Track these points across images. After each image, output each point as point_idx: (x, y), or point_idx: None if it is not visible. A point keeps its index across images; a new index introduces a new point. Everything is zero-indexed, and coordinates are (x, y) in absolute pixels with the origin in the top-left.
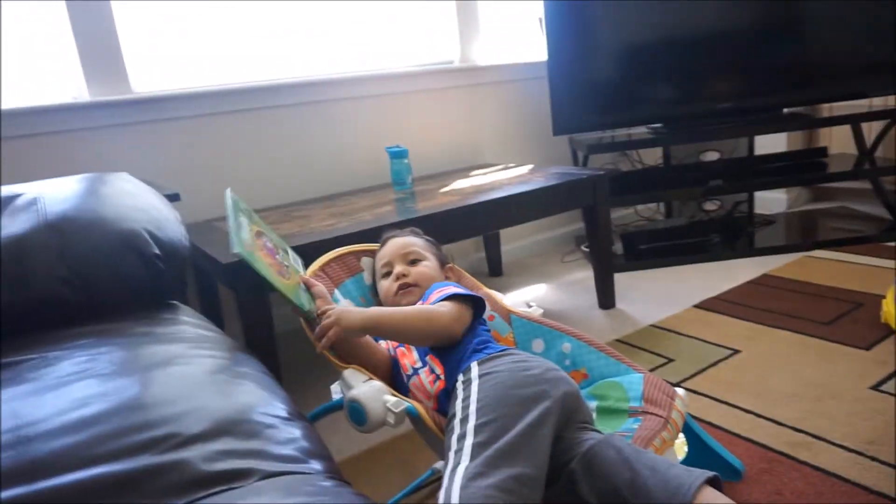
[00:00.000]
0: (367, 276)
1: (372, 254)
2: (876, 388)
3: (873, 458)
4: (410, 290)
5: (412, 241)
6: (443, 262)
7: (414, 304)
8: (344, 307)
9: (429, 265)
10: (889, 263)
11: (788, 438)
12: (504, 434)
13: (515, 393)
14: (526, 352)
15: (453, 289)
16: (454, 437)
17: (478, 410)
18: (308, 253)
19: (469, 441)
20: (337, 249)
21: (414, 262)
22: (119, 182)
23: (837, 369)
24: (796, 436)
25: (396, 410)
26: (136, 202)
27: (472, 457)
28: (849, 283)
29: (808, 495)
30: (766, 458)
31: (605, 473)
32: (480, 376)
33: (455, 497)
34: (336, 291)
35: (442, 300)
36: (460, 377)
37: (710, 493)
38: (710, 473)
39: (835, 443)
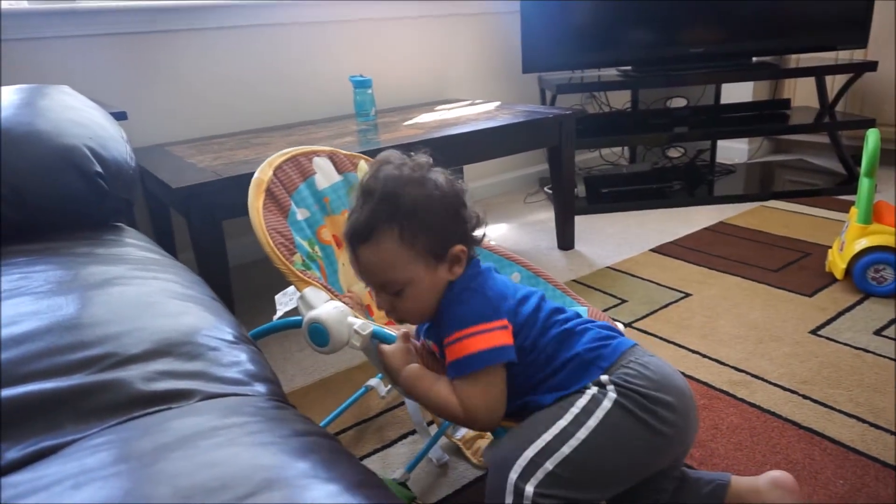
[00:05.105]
0: (319, 179)
1: (325, 154)
2: (814, 332)
3: (805, 397)
4: (404, 323)
5: (380, 262)
6: (438, 253)
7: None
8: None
9: (417, 289)
10: (838, 216)
11: (729, 377)
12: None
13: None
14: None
15: (466, 348)
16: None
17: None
18: None
19: (548, 466)
20: (288, 150)
21: (398, 293)
22: (58, 95)
23: (781, 314)
24: (736, 375)
25: (363, 332)
26: (78, 117)
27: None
28: (799, 234)
29: (743, 429)
30: (706, 395)
31: None
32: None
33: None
34: (291, 204)
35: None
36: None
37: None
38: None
39: (772, 382)
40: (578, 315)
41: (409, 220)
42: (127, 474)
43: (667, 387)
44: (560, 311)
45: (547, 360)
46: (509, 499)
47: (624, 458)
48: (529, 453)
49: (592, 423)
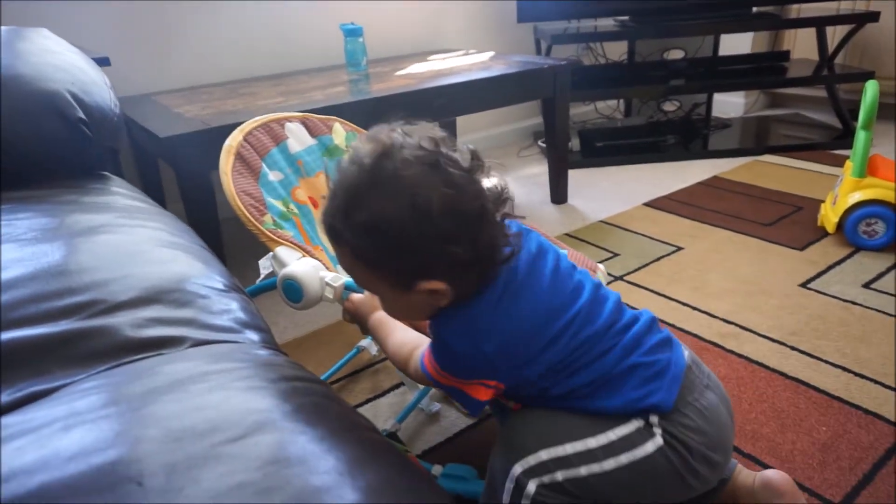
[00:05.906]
0: (292, 143)
1: (298, 119)
2: (804, 285)
3: (793, 348)
4: None
5: (345, 265)
6: (402, 284)
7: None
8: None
9: (388, 303)
10: (833, 170)
11: (719, 329)
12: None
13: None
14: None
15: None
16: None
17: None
18: None
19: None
20: (259, 117)
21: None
22: (38, 38)
23: (771, 267)
24: (726, 327)
25: (335, 285)
26: (58, 61)
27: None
28: (793, 188)
29: (731, 380)
30: (695, 347)
31: None
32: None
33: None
34: (262, 166)
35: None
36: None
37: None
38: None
39: (760, 334)
40: (619, 311)
41: (361, 240)
42: (117, 417)
43: (718, 443)
44: (607, 330)
45: (579, 399)
46: (509, 484)
47: (641, 497)
48: (544, 455)
49: (625, 459)
